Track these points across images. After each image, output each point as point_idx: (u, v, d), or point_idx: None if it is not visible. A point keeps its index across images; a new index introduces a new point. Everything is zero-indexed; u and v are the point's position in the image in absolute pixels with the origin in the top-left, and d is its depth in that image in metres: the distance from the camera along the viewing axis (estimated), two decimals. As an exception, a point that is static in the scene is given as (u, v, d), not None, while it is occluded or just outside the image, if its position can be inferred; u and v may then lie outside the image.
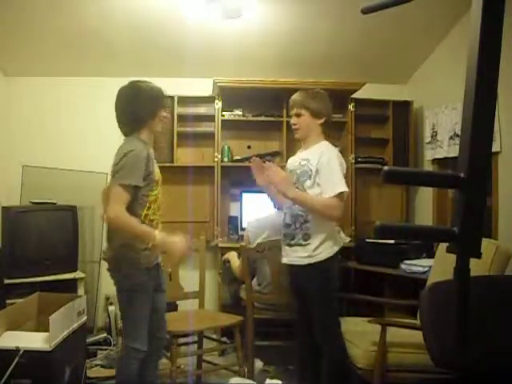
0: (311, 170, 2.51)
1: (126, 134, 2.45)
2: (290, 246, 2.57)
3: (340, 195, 2.43)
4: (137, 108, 2.36)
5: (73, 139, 4.37)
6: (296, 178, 2.58)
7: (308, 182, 2.51)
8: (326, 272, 2.50)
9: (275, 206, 3.20)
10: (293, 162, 2.69)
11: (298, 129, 2.62)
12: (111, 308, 4.10)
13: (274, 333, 3.53)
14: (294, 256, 2.56)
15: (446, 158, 4.00)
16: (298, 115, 2.59)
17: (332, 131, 4.55)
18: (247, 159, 4.37)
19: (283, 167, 2.77)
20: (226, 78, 4.07)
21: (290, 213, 2.58)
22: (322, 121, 2.58)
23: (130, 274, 2.32)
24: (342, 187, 2.44)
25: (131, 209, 2.26)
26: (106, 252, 2.41)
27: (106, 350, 3.78)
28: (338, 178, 2.45)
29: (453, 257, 0.92)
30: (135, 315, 2.37)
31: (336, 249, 2.52)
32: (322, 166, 2.48)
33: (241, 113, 4.37)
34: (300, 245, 2.52)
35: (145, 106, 2.37)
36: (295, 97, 2.62)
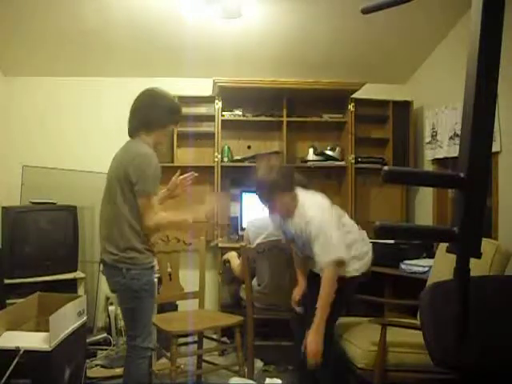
0: (311, 237, 2.49)
1: (131, 134, 2.46)
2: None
3: (335, 262, 2.42)
4: (151, 116, 2.40)
5: (73, 139, 4.38)
6: (301, 242, 2.60)
7: (316, 248, 2.48)
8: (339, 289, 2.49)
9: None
10: (296, 226, 2.63)
11: (279, 214, 2.64)
12: (111, 308, 4.09)
13: (274, 333, 3.53)
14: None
15: (445, 158, 4.00)
16: (270, 207, 2.61)
17: (332, 131, 4.58)
18: (247, 159, 4.38)
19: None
20: (225, 77, 4.07)
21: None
22: (291, 193, 2.57)
23: (139, 275, 2.33)
24: (339, 252, 2.42)
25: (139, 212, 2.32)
26: (109, 254, 2.36)
27: (106, 349, 3.78)
28: (332, 244, 2.42)
29: (453, 257, 0.92)
30: (145, 315, 2.38)
31: (352, 274, 2.55)
32: (313, 236, 2.46)
33: (241, 113, 4.37)
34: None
35: (159, 113, 2.41)
36: (261, 191, 2.60)
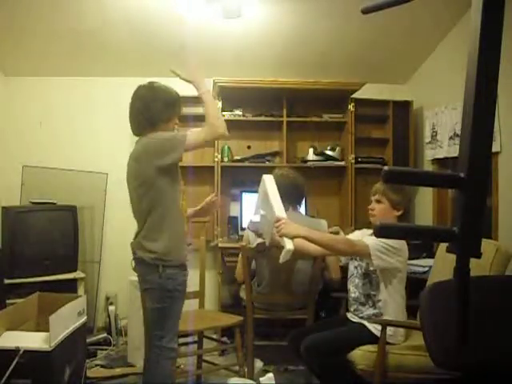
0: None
1: (138, 133, 2.43)
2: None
3: (366, 248, 2.49)
4: (153, 110, 2.37)
5: (73, 139, 4.38)
6: (365, 262, 2.63)
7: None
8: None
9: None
10: (365, 239, 2.69)
11: (374, 215, 2.69)
12: (111, 308, 4.10)
13: (274, 333, 3.53)
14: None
15: (446, 158, 4.00)
16: (378, 201, 2.67)
17: (332, 131, 4.58)
18: (247, 159, 4.38)
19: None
20: (225, 77, 4.07)
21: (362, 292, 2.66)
22: (399, 213, 2.65)
23: (175, 274, 2.33)
24: (370, 248, 2.48)
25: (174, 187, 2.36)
26: (147, 252, 2.33)
27: (106, 349, 3.78)
28: (378, 246, 2.49)
29: (453, 257, 0.92)
30: (175, 315, 2.38)
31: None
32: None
33: (241, 113, 4.37)
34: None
35: (161, 109, 2.38)
36: (378, 185, 2.70)
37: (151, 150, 2.31)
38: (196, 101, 4.41)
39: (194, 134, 2.33)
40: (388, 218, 2.62)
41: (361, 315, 2.62)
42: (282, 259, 2.43)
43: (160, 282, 2.31)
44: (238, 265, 3.35)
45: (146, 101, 2.38)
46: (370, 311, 2.59)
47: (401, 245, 2.56)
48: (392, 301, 2.58)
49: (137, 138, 2.46)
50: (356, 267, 2.71)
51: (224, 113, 4.30)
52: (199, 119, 4.41)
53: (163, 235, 2.33)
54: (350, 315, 2.73)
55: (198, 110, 4.41)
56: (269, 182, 2.66)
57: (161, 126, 2.39)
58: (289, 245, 2.39)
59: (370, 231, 2.79)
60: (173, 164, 2.34)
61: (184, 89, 4.42)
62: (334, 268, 3.14)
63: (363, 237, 2.69)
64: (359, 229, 3.00)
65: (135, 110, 2.41)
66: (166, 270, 2.31)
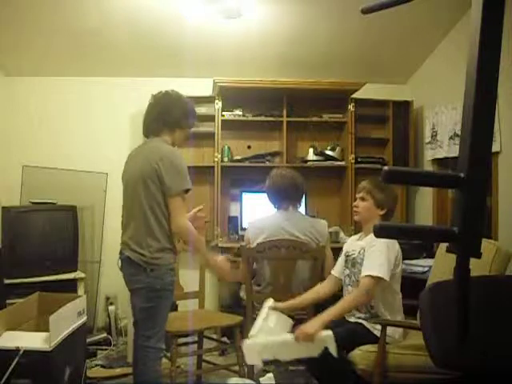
0: (367, 250, 2.57)
1: (153, 133, 2.49)
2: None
3: (376, 279, 2.44)
4: (173, 115, 2.47)
5: (73, 139, 4.38)
6: (358, 268, 2.61)
7: (365, 261, 2.56)
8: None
9: (275, 206, 3.21)
10: (353, 246, 2.71)
11: (358, 212, 2.70)
12: (111, 308, 4.10)
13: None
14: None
15: (446, 158, 4.00)
16: (362, 199, 2.67)
17: (332, 131, 4.58)
18: (247, 159, 4.38)
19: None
20: (225, 77, 4.07)
21: None
22: (383, 212, 2.64)
23: (163, 274, 2.35)
24: (381, 273, 2.44)
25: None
26: (135, 253, 2.34)
27: (106, 349, 3.78)
28: (381, 263, 2.46)
29: (453, 257, 0.92)
30: (163, 314, 2.39)
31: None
32: (370, 250, 2.54)
33: (241, 113, 4.37)
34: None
35: (180, 116, 2.49)
36: (364, 183, 2.71)
37: (169, 169, 2.34)
38: (196, 101, 4.45)
39: (182, 204, 2.40)
40: (371, 216, 2.63)
41: (358, 315, 2.62)
42: (334, 353, 2.38)
43: (148, 282, 2.33)
44: (241, 265, 3.35)
45: (168, 106, 2.49)
46: (366, 315, 2.59)
47: (392, 243, 2.56)
48: (387, 303, 2.57)
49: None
50: (348, 275, 2.69)
51: (224, 113, 4.30)
52: (199, 119, 4.39)
53: (155, 239, 2.35)
54: (346, 316, 2.72)
55: (199, 110, 4.38)
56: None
57: (176, 131, 2.51)
58: (323, 336, 2.36)
59: (357, 236, 2.79)
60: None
61: (185, 89, 4.45)
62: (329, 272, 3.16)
63: (358, 249, 2.65)
64: (358, 230, 2.99)
65: (155, 113, 2.50)
66: (154, 271, 2.33)
